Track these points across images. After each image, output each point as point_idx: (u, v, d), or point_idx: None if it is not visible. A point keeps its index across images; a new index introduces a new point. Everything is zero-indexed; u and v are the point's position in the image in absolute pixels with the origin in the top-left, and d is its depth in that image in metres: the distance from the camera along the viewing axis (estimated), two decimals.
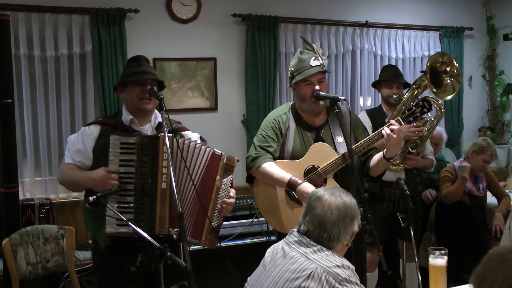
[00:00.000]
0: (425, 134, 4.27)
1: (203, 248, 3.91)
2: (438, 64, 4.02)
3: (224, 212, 3.05)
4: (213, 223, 2.97)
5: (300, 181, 3.19)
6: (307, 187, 3.15)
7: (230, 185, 3.08)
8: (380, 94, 4.61)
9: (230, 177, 3.07)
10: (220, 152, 3.01)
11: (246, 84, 6.06)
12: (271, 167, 3.30)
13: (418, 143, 4.30)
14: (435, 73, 4.02)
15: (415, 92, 4.19)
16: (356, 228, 2.34)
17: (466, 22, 7.33)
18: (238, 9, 6.00)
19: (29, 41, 5.15)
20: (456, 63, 4.03)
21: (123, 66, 5.16)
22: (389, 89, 4.43)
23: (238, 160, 3.10)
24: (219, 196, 3.00)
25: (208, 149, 2.98)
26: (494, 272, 1.40)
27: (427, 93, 4.88)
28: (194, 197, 2.92)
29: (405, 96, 4.25)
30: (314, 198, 2.34)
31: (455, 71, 3.95)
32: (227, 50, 6.05)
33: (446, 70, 3.99)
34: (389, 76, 4.48)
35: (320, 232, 2.25)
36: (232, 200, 3.08)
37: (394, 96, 4.37)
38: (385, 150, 3.19)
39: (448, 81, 3.95)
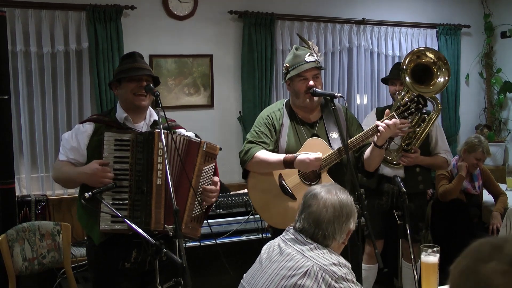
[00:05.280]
0: (419, 131, 4.23)
1: (198, 244, 3.92)
2: (415, 59, 3.95)
3: (206, 200, 2.98)
4: (194, 212, 2.93)
5: (296, 154, 3.17)
6: (304, 155, 3.13)
7: (212, 173, 3.01)
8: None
9: (212, 165, 3.00)
10: (199, 139, 2.97)
11: (242, 81, 6.06)
12: (265, 154, 3.28)
13: (412, 140, 4.27)
14: (423, 67, 3.96)
15: (408, 91, 4.16)
16: (352, 226, 2.32)
17: (463, 19, 7.33)
18: (235, 6, 6.00)
19: (25, 37, 5.16)
20: (432, 50, 3.95)
21: (119, 62, 5.16)
22: (393, 87, 4.45)
23: (221, 148, 3.02)
24: (200, 183, 2.94)
25: (183, 138, 2.92)
26: None
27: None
28: (175, 186, 2.86)
29: (399, 95, 4.22)
30: (310, 195, 2.33)
31: (442, 58, 3.88)
32: (224, 47, 6.05)
33: (433, 62, 3.89)
34: (392, 73, 4.50)
35: (315, 230, 2.25)
36: (213, 187, 2.99)
37: (397, 93, 4.37)
38: (375, 138, 3.20)
39: (441, 79, 3.87)
